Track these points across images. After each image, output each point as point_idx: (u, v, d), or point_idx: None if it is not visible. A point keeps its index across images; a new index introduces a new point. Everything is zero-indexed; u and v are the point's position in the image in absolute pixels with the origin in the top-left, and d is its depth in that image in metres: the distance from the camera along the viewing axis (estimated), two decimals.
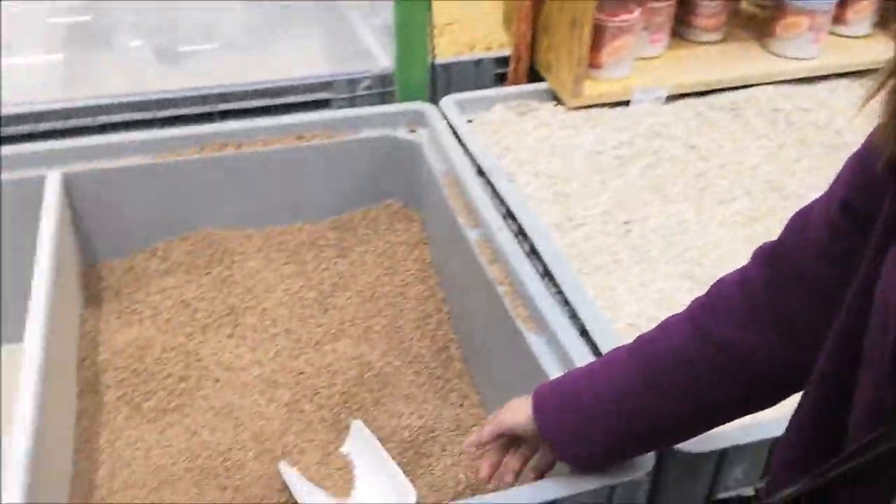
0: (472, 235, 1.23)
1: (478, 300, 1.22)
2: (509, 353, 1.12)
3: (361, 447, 1.20)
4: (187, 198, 1.42)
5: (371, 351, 1.33)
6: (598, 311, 1.05)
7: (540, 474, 0.89)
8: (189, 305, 1.37)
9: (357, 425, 1.21)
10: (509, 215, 1.23)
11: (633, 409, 0.78)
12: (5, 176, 1.32)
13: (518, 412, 0.85)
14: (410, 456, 1.20)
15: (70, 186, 1.34)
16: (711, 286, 0.77)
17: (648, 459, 0.86)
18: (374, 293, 1.41)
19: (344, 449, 1.21)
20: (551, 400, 0.83)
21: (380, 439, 1.19)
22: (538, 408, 0.84)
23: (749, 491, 0.97)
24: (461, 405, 1.28)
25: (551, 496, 0.84)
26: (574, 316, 1.05)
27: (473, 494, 1.12)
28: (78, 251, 1.38)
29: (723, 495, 0.97)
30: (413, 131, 1.45)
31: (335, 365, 1.30)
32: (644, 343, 0.79)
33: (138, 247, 1.44)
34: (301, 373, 1.30)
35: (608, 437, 0.80)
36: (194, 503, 1.09)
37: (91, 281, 1.40)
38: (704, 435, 0.92)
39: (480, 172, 1.32)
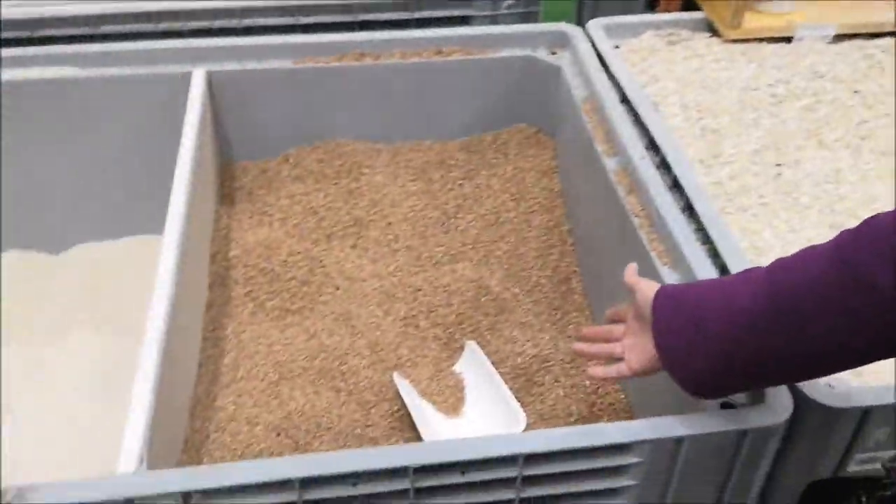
0: (611, 164, 1.17)
1: (609, 231, 1.17)
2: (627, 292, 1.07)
3: (474, 368, 1.19)
4: (322, 106, 1.43)
5: (490, 275, 1.31)
6: (741, 253, 0.99)
7: (633, 371, 0.85)
8: (316, 213, 1.39)
9: (471, 346, 1.20)
10: (652, 146, 1.17)
11: (751, 334, 0.71)
12: (155, 69, 1.35)
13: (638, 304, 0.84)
14: (522, 383, 1.18)
15: (213, 85, 1.36)
16: (862, 221, 0.70)
17: (786, 407, 0.81)
18: (498, 218, 1.38)
19: (456, 368, 1.20)
20: (670, 301, 0.79)
21: (492, 363, 1.17)
22: (656, 308, 0.80)
23: (879, 469, 0.90)
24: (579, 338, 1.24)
25: (675, 433, 0.80)
26: (715, 255, 0.99)
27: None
28: (216, 149, 1.41)
29: (854, 468, 0.90)
30: (554, 53, 1.40)
31: (453, 286, 1.28)
32: (779, 267, 0.72)
33: (272, 151, 1.46)
34: (419, 290, 1.29)
35: (716, 357, 0.74)
36: (310, 401, 1.10)
37: (226, 180, 1.44)
38: (847, 389, 0.86)
39: (624, 100, 1.26)
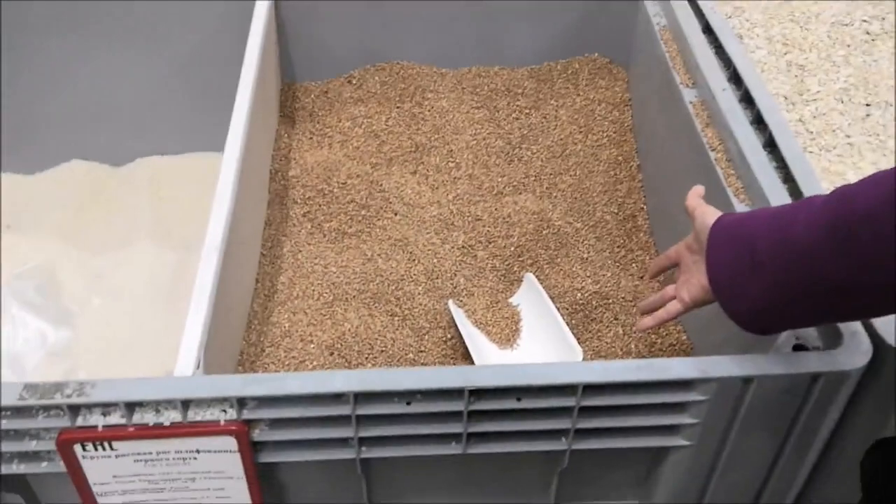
0: (689, 95, 1.12)
1: (682, 166, 1.13)
2: None
3: (531, 300, 1.16)
4: (388, 28, 1.39)
5: (552, 208, 1.27)
6: (823, 193, 0.93)
7: (685, 305, 0.82)
8: (377, 136, 1.36)
9: (529, 278, 1.17)
10: (734, 79, 1.11)
11: (804, 264, 0.66)
12: None
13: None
14: (579, 319, 1.15)
15: (279, 4, 1.33)
16: None
17: (864, 352, 0.77)
18: (564, 150, 1.34)
19: (513, 299, 1.18)
20: (725, 229, 0.75)
21: (550, 298, 1.15)
22: (712, 235, 0.76)
23: None
24: (641, 277, 1.21)
25: (744, 371, 0.76)
26: (797, 194, 0.94)
27: None
28: (279, 69, 1.39)
29: None
30: None
31: (514, 217, 1.25)
32: (840, 194, 0.66)
33: (335, 72, 1.43)
34: (478, 219, 1.27)
35: (768, 287, 0.70)
36: (364, 322, 1.10)
37: (288, 100, 1.42)
38: None
39: (707, 30, 1.19)
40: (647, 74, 1.28)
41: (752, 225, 0.73)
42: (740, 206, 0.96)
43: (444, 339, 1.12)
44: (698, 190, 0.86)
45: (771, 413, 0.81)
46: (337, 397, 0.75)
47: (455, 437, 0.79)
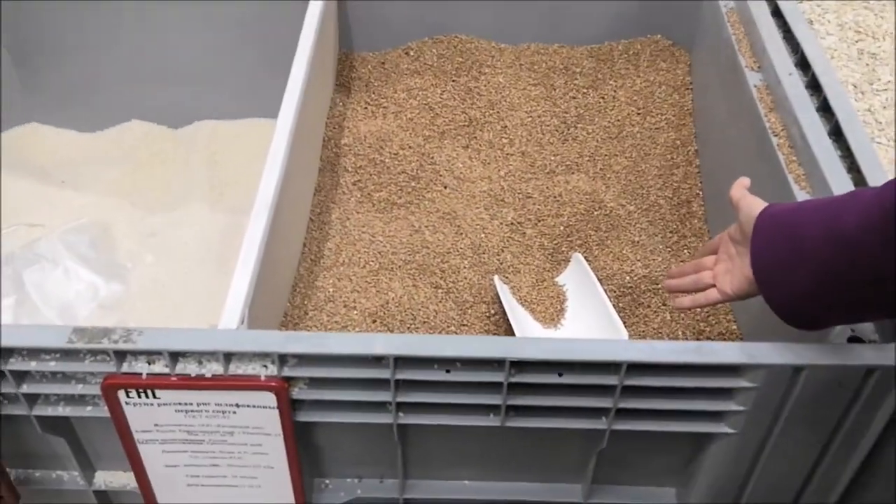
0: (754, 79, 1.08)
1: (742, 152, 1.09)
2: None
3: (578, 281, 1.14)
4: (448, 1, 1.38)
5: (605, 190, 1.25)
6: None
7: (725, 295, 0.80)
8: (431, 109, 1.35)
9: (577, 258, 1.16)
10: (802, 65, 1.07)
11: (855, 258, 0.64)
12: None
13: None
14: (627, 303, 1.13)
15: None
16: None
17: None
18: (620, 132, 1.32)
19: (560, 279, 1.17)
20: (771, 220, 0.73)
21: (598, 279, 1.13)
22: (757, 226, 0.74)
23: None
24: None
25: (796, 360, 0.74)
26: (861, 184, 0.90)
27: None
28: (337, 37, 1.39)
29: None
30: None
31: (565, 196, 1.24)
32: (891, 187, 0.63)
33: (392, 42, 1.43)
34: (529, 197, 1.25)
35: (813, 281, 0.67)
36: (408, 293, 1.10)
37: (344, 69, 1.42)
38: None
39: (776, 13, 1.16)
40: (712, 58, 1.25)
41: (799, 215, 0.71)
42: (801, 194, 0.93)
43: (487, 314, 1.12)
44: (743, 181, 0.84)
45: (820, 405, 0.78)
46: (377, 360, 0.75)
47: (493, 408, 0.78)
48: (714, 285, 0.83)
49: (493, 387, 0.76)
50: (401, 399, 0.77)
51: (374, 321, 1.06)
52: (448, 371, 0.76)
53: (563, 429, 0.79)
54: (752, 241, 0.74)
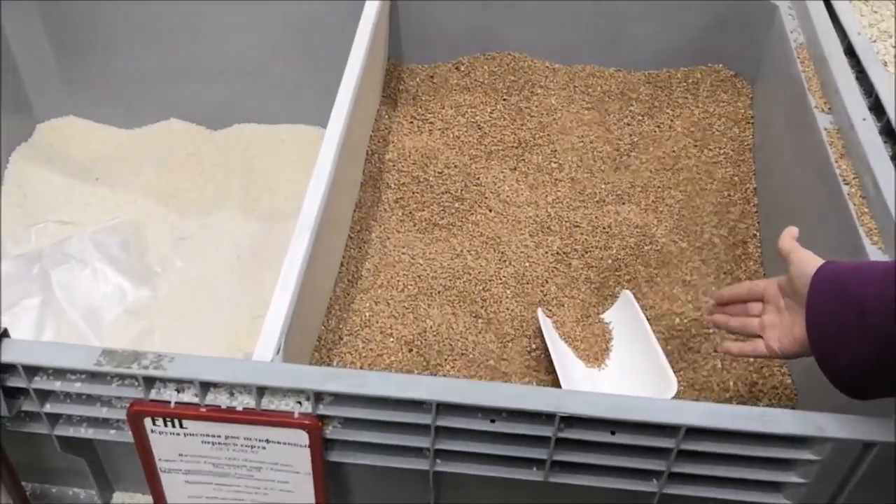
0: (824, 121, 1.03)
1: (807, 197, 1.04)
2: None
3: (625, 320, 1.09)
4: (502, 16, 1.33)
5: (657, 224, 1.20)
6: None
7: (772, 353, 0.76)
8: (480, 128, 1.31)
9: (626, 296, 1.10)
10: (877, 108, 1.01)
11: None
12: None
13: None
14: (676, 345, 1.08)
15: None
16: None
17: None
18: (675, 163, 1.26)
19: (606, 316, 1.11)
20: (831, 282, 0.68)
21: (647, 319, 1.08)
22: (815, 287, 0.69)
23: None
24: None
25: (867, 435, 0.69)
26: None
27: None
28: (387, 45, 1.35)
29: None
30: None
31: (614, 228, 1.19)
32: None
33: (443, 56, 1.39)
34: (576, 226, 1.20)
35: (878, 352, 0.63)
36: (447, 321, 1.05)
37: (392, 80, 1.38)
38: None
39: (849, 52, 1.10)
40: (777, 93, 1.19)
41: (862, 278, 0.66)
42: (872, 250, 0.87)
43: (528, 348, 1.07)
44: (792, 231, 0.79)
45: (888, 484, 0.73)
46: (418, 404, 0.71)
47: (538, 462, 0.74)
48: (760, 335, 0.79)
49: (540, 440, 0.72)
50: (440, 446, 0.73)
51: (411, 350, 1.02)
52: (493, 421, 0.72)
53: (609, 488, 0.75)
54: (808, 305, 0.69)
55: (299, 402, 0.71)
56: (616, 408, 0.69)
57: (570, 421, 0.70)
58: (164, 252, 1.30)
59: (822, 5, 1.18)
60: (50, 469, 0.86)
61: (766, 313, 0.79)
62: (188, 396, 0.71)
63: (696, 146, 1.26)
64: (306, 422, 0.71)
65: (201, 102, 1.48)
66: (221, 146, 1.47)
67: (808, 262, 0.72)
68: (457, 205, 1.22)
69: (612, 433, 0.71)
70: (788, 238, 0.78)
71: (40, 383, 0.72)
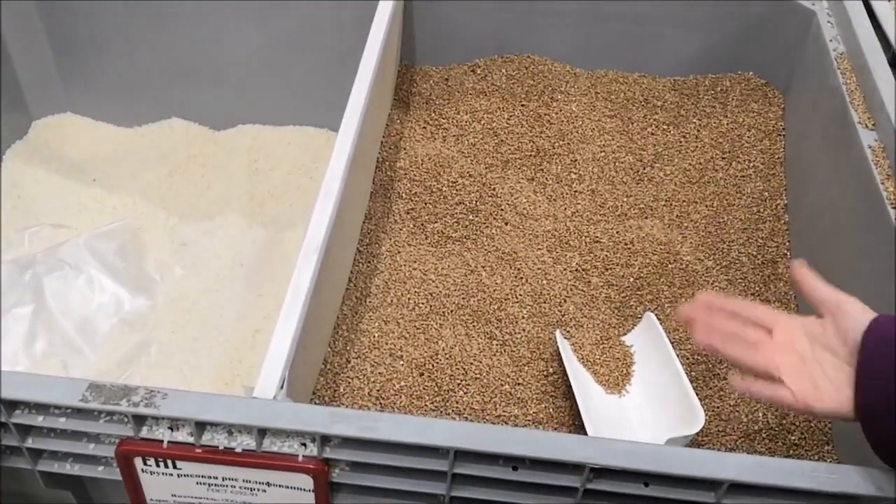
0: (868, 138, 0.96)
1: (847, 219, 0.97)
2: (871, 301, 0.87)
3: (648, 343, 1.03)
4: (522, 17, 1.27)
5: (682, 240, 1.13)
6: None
7: (801, 408, 0.65)
8: (496, 135, 1.24)
9: (650, 318, 1.04)
10: None
11: None
12: None
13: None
14: (700, 371, 1.02)
15: None
16: None
17: None
18: (702, 176, 1.20)
19: (627, 339, 1.05)
20: (890, 339, 0.61)
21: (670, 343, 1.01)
22: (872, 344, 0.61)
23: None
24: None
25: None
26: None
27: (773, 441, 0.93)
28: (400, 46, 1.28)
29: None
30: None
31: (636, 244, 1.12)
32: None
33: (458, 58, 1.32)
34: (596, 241, 1.14)
35: None
36: (460, 343, 0.99)
37: (404, 83, 1.31)
38: None
39: (893, 63, 1.03)
40: (813, 105, 1.12)
41: None
42: None
43: (545, 372, 1.01)
44: (802, 265, 0.70)
45: None
46: (435, 449, 0.65)
47: None
48: (775, 377, 0.67)
49: (566, 490, 0.66)
50: (456, 493, 0.67)
51: (422, 374, 0.96)
52: (515, 468, 0.65)
53: None
54: (865, 366, 0.62)
55: (304, 444, 0.65)
56: (652, 460, 0.63)
57: (601, 472, 0.64)
58: (163, 259, 1.24)
59: (863, 11, 1.11)
60: (34, 499, 0.80)
61: (784, 354, 0.68)
62: (182, 435, 0.65)
63: (723, 158, 1.20)
64: (311, 466, 0.65)
65: (204, 101, 1.42)
66: (224, 147, 1.41)
67: (861, 313, 0.64)
68: (471, 217, 1.15)
69: (646, 485, 0.65)
70: (814, 278, 0.68)
71: (20, 417, 0.66)
